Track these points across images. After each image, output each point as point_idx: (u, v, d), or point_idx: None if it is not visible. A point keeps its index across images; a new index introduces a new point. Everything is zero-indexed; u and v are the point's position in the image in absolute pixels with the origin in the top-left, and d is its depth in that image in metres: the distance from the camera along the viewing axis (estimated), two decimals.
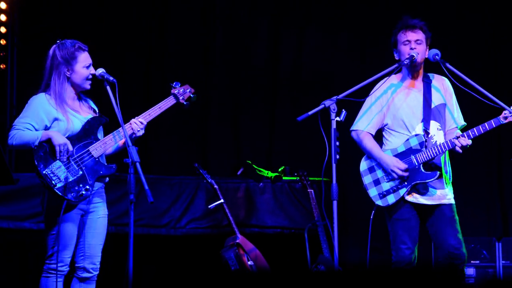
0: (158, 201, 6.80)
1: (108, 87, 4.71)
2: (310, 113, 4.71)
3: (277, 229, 7.16)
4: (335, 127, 4.68)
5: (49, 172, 4.65)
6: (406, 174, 5.02)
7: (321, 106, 4.72)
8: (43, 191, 4.78)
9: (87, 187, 4.72)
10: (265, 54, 8.23)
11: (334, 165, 4.66)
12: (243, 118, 8.15)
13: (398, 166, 5.04)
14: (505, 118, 4.94)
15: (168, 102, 5.08)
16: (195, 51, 8.12)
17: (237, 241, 6.40)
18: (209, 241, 6.93)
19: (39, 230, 6.53)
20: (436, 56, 5.04)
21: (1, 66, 7.68)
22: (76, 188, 4.69)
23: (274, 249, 6.93)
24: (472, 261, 7.04)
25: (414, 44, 5.07)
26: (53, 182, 4.64)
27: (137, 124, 4.88)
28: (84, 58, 4.85)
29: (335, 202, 4.67)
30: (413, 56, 5.02)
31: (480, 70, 7.35)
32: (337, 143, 4.67)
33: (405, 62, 5.03)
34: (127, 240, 4.40)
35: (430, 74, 5.22)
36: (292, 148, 8.07)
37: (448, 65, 5.07)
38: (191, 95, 5.16)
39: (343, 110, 4.74)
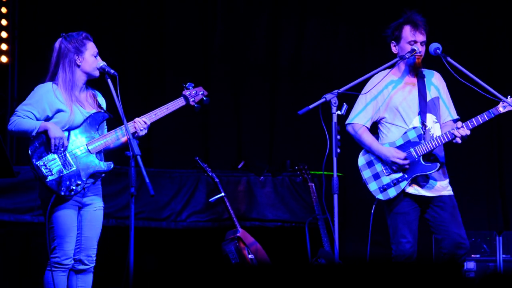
0: (159, 194, 6.80)
1: (109, 80, 4.70)
2: (311, 106, 4.71)
3: (277, 222, 7.17)
4: (336, 120, 4.68)
5: (42, 164, 4.62)
6: (406, 162, 5.01)
7: (322, 100, 4.72)
8: (38, 184, 4.77)
9: (78, 182, 4.67)
10: (265, 47, 8.23)
11: (335, 159, 4.66)
12: (243, 112, 8.15)
13: (397, 156, 5.03)
14: (504, 107, 4.94)
15: (177, 103, 5.01)
16: (195, 44, 8.11)
17: (238, 234, 6.41)
18: (209, 235, 6.94)
19: (40, 223, 6.54)
20: (438, 50, 5.04)
21: (2, 59, 7.68)
22: (68, 182, 4.64)
23: (275, 243, 6.93)
24: (472, 255, 7.05)
25: (419, 45, 5.06)
26: (44, 174, 4.61)
27: (140, 124, 4.83)
28: (92, 47, 4.84)
29: (335, 196, 4.67)
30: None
31: (476, 65, 7.36)
32: (338, 137, 4.67)
33: (407, 56, 5.02)
34: (127, 233, 4.40)
35: (423, 69, 5.20)
36: (292, 141, 8.07)
37: (449, 58, 5.07)
38: (204, 97, 5.07)
39: (344, 103, 4.74)
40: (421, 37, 5.08)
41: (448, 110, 5.22)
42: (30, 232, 6.75)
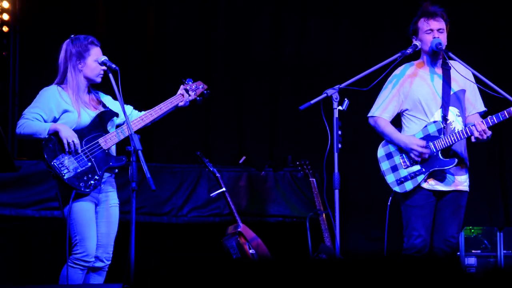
0: (160, 189, 6.80)
1: (110, 75, 4.73)
2: (312, 102, 4.71)
3: (278, 217, 7.17)
4: (337, 116, 4.67)
5: (58, 163, 4.70)
6: (426, 150, 5.01)
7: (323, 95, 4.71)
8: (56, 182, 4.82)
9: (96, 177, 4.77)
10: (267, 44, 8.22)
11: (336, 154, 4.65)
12: (245, 107, 8.15)
13: (417, 143, 5.02)
14: None
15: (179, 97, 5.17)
16: (197, 41, 8.10)
17: (239, 229, 6.41)
18: (210, 230, 6.94)
19: (41, 217, 6.56)
20: (439, 46, 5.03)
21: (4, 53, 7.68)
22: (85, 178, 4.73)
23: (276, 238, 6.93)
24: (473, 251, 7.05)
25: (437, 33, 5.05)
26: (62, 172, 4.69)
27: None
28: (96, 53, 4.88)
29: (336, 191, 4.67)
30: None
31: (478, 64, 7.37)
32: (339, 132, 4.66)
33: (408, 51, 5.01)
34: (128, 228, 4.40)
35: (449, 61, 5.15)
36: (294, 137, 8.07)
37: (451, 54, 5.07)
38: (204, 91, 5.24)
39: (346, 99, 4.73)
40: (436, 25, 5.05)
41: (472, 103, 5.18)
42: (31, 227, 6.76)
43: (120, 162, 4.87)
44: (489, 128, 4.94)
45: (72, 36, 4.91)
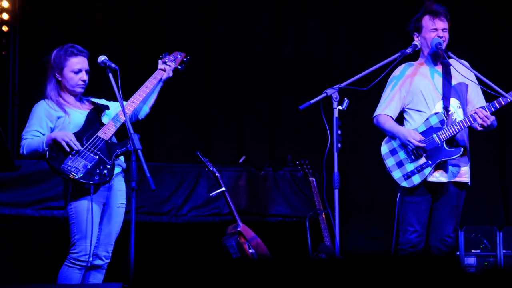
0: (160, 188, 6.80)
1: (110, 74, 4.73)
2: (312, 101, 4.71)
3: (278, 217, 7.17)
4: (337, 115, 4.68)
5: (66, 167, 4.70)
6: (421, 145, 5.01)
7: (323, 95, 4.72)
8: (65, 183, 4.83)
9: (108, 166, 4.77)
10: (267, 44, 8.22)
11: (336, 154, 4.65)
12: (245, 107, 8.15)
13: (414, 136, 5.03)
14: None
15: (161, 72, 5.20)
16: (197, 40, 8.10)
17: (239, 229, 6.41)
18: (210, 229, 6.94)
19: (41, 217, 6.56)
20: (439, 46, 5.05)
21: (3, 53, 7.68)
22: (97, 170, 4.74)
23: (275, 238, 6.93)
24: (473, 250, 7.05)
25: (441, 32, 5.08)
26: (73, 173, 4.69)
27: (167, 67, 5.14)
28: (74, 63, 4.89)
29: (336, 191, 4.67)
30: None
31: (479, 64, 7.37)
32: (339, 132, 4.67)
33: (408, 51, 5.03)
34: (128, 227, 4.40)
35: (449, 58, 5.14)
36: (294, 137, 8.07)
37: (450, 54, 5.09)
38: (184, 58, 5.29)
39: (345, 98, 4.74)
40: (441, 24, 5.09)
41: (474, 99, 5.18)
42: (31, 227, 6.76)
43: (125, 146, 4.85)
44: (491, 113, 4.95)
45: (66, 46, 4.92)
